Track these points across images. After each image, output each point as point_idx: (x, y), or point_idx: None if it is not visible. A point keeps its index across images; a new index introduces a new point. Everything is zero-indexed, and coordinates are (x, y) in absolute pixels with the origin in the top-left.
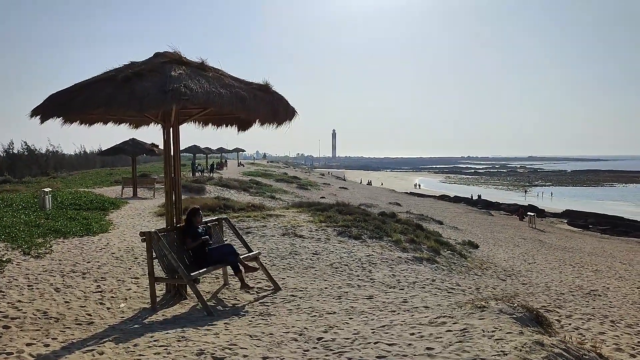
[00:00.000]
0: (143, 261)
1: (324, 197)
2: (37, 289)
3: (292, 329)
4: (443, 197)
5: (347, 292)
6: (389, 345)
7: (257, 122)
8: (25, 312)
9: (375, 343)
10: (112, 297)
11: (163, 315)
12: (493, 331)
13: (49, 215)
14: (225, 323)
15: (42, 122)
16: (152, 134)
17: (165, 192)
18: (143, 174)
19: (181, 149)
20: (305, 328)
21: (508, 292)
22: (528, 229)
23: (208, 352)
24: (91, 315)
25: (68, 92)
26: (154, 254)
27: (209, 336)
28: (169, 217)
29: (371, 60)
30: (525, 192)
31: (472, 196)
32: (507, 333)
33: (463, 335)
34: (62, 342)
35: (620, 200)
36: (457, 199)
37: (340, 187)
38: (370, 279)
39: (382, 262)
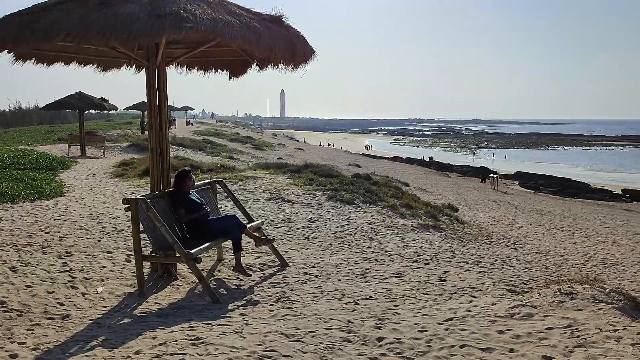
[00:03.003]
0: (113, 231)
1: (281, 158)
2: None
3: (332, 322)
4: (396, 159)
5: (368, 269)
6: (483, 350)
7: (267, 62)
8: None
9: (461, 347)
10: (85, 278)
11: (156, 302)
12: (615, 330)
13: None
14: (241, 314)
15: None
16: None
17: (150, 149)
18: (88, 131)
19: (128, 105)
20: (349, 322)
21: (531, 262)
22: (491, 191)
23: None
24: (64, 305)
25: (26, 13)
26: (141, 226)
27: (230, 336)
28: (154, 180)
29: (320, 20)
30: (474, 154)
31: (423, 158)
32: (638, 334)
33: (577, 337)
34: (33, 349)
35: (562, 163)
36: (410, 161)
37: (296, 148)
38: (385, 251)
39: (388, 230)
